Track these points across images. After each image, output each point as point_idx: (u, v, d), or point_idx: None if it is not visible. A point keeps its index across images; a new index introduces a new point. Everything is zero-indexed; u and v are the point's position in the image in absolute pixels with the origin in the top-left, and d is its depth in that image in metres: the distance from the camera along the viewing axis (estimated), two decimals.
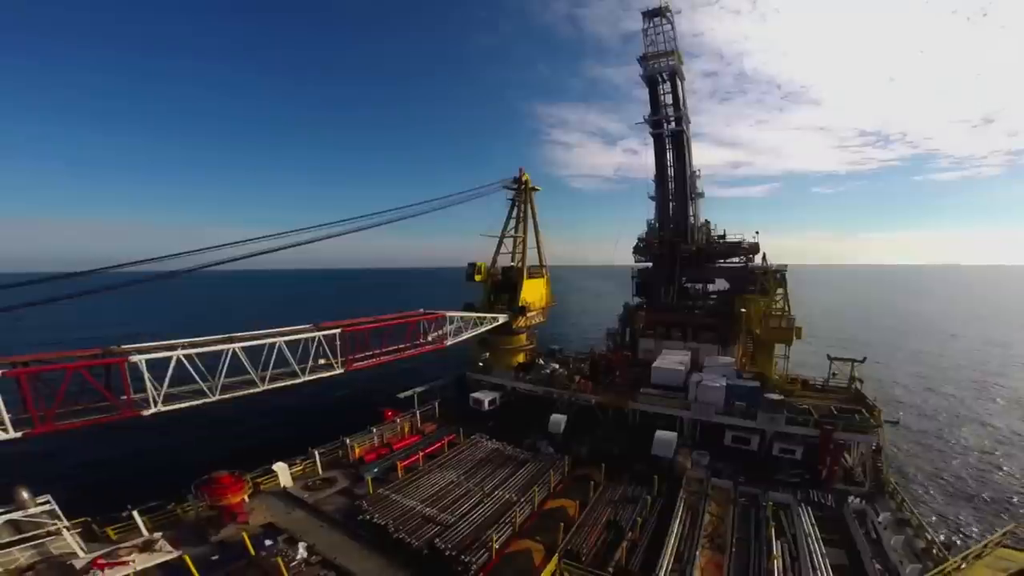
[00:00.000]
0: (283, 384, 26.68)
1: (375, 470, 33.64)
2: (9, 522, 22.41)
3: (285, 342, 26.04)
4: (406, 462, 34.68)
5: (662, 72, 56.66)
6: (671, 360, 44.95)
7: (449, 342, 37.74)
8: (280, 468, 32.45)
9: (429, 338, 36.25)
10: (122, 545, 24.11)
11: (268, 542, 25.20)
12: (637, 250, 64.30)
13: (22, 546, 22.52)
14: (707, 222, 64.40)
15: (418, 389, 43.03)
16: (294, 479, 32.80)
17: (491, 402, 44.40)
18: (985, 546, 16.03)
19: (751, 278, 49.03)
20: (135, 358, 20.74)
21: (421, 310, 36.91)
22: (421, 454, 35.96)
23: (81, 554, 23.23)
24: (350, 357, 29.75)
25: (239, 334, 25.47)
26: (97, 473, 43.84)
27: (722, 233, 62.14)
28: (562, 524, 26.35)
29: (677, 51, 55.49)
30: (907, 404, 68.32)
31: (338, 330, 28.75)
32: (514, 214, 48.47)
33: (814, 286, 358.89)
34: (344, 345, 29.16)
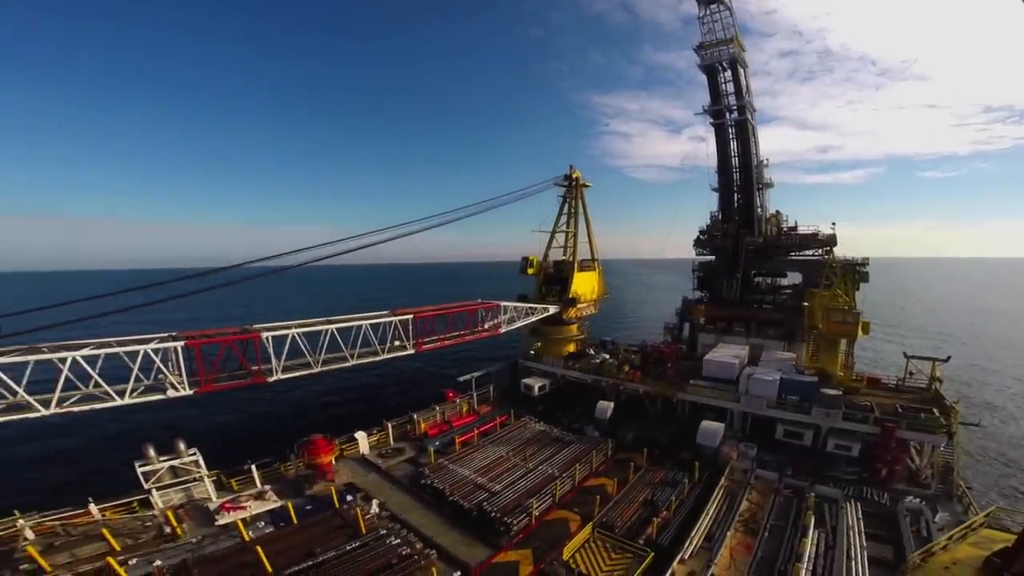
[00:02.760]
0: (367, 360, 30.42)
1: (437, 443, 37.89)
2: (171, 468, 28.73)
3: (369, 325, 29.93)
4: (463, 437, 38.60)
5: (721, 61, 55.10)
6: (725, 353, 44.53)
7: (503, 330, 40.70)
8: (360, 436, 37.52)
9: (486, 326, 39.27)
10: (242, 494, 29.76)
11: (349, 497, 29.72)
12: (698, 243, 63.15)
13: (176, 488, 28.86)
14: (777, 213, 61.71)
15: (476, 374, 46.73)
16: (370, 447, 37.80)
17: (541, 388, 47.06)
18: (970, 527, 15.88)
19: (825, 271, 46.69)
20: (265, 335, 25.46)
21: (479, 300, 40.14)
22: (476, 431, 39.70)
23: (214, 499, 29.15)
24: (419, 340, 33.30)
25: (335, 317, 29.64)
26: (225, 432, 53.85)
27: (794, 224, 59.33)
28: (599, 498, 28.52)
29: (737, 38, 53.65)
30: (998, 408, 61.45)
31: (411, 316, 32.38)
32: (565, 210, 50.30)
33: (920, 280, 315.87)
34: (415, 329, 32.80)
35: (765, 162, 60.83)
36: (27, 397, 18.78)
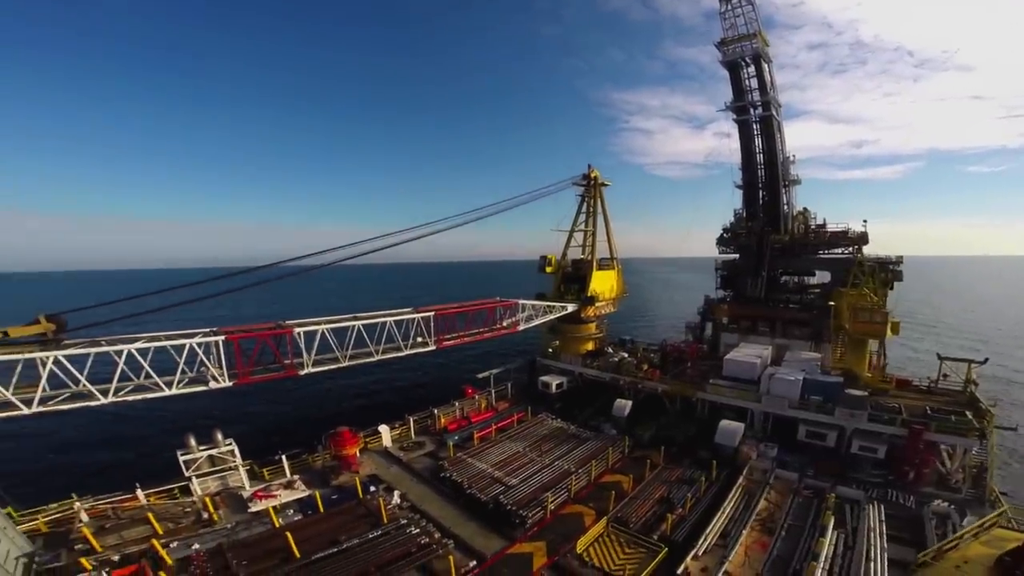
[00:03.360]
0: (391, 356, 31.32)
1: (456, 438, 38.96)
2: (209, 456, 30.43)
3: (393, 321, 30.89)
4: (481, 433, 39.54)
5: (744, 56, 54.19)
6: (746, 352, 43.97)
7: (521, 327, 41.25)
8: (384, 430, 38.88)
9: (504, 323, 39.79)
10: (273, 483, 31.23)
11: (372, 488, 30.91)
12: (721, 241, 62.18)
13: (214, 476, 30.49)
14: (805, 210, 60.38)
15: (494, 371, 47.62)
16: (393, 441, 39.06)
17: (558, 385, 47.41)
18: (982, 526, 15.61)
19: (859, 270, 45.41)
20: (296, 330, 26.64)
21: (497, 298, 40.80)
22: (494, 427, 40.64)
23: (247, 487, 30.67)
24: (440, 337, 34.09)
25: (361, 314, 30.53)
26: (258, 423, 56.87)
27: (822, 222, 57.84)
28: (614, 494, 28.84)
29: (760, 32, 52.65)
30: None
31: (432, 313, 33.20)
32: (583, 209, 50.59)
33: (962, 280, 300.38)
34: (436, 326, 33.57)
35: (791, 158, 59.53)
36: (89, 386, 20.45)
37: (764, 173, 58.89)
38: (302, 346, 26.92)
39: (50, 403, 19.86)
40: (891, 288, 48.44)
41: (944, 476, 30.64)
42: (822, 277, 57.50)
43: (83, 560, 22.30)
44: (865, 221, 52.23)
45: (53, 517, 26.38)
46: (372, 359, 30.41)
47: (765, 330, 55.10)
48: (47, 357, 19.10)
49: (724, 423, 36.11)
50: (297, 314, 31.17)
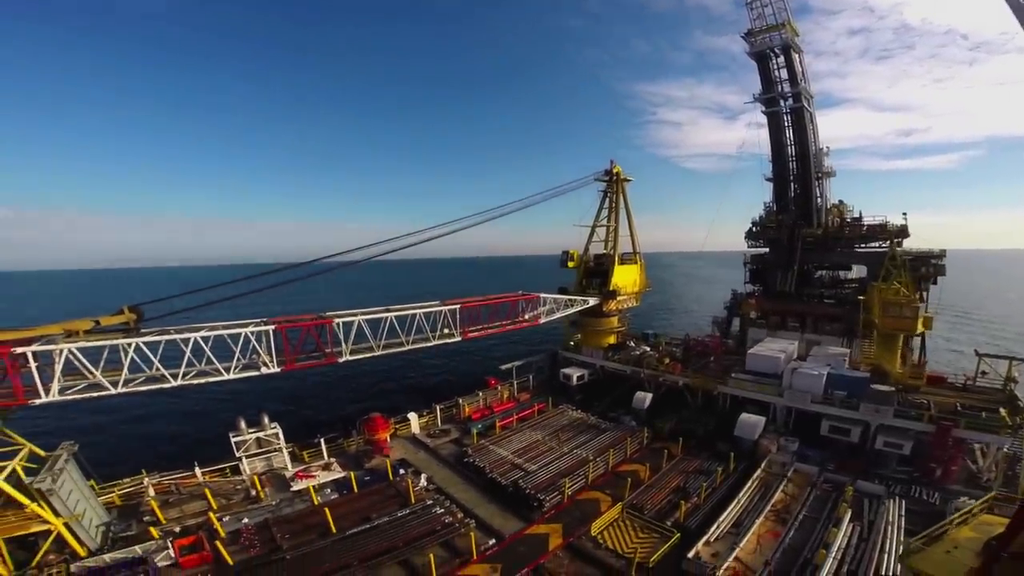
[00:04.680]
0: (420, 345, 32.93)
1: (479, 426, 40.63)
2: (256, 439, 32.74)
3: (422, 313, 32.47)
4: (503, 422, 41.25)
5: (773, 47, 53.03)
6: (770, 347, 43.50)
7: (543, 320, 42.32)
8: (412, 417, 41.10)
9: (526, 316, 40.95)
10: (312, 464, 33.70)
11: (401, 471, 32.94)
12: (750, 235, 61.17)
13: (260, 457, 32.94)
14: (840, 203, 58.75)
15: (517, 363, 49.01)
16: (420, 428, 41.21)
17: (579, 378, 48.29)
18: (970, 512, 15.82)
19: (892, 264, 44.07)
20: (336, 321, 28.61)
21: (520, 292, 41.93)
22: (515, 416, 42.19)
23: (289, 468, 33.09)
24: (466, 328, 35.60)
25: (393, 306, 32.23)
26: (298, 408, 60.28)
27: (858, 215, 56.10)
28: (631, 482, 29.80)
29: (789, 22, 51.39)
30: None
31: (458, 305, 34.73)
32: (606, 204, 50.92)
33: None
34: (461, 318, 35.03)
35: (825, 150, 57.97)
36: (163, 370, 23.13)
37: (795, 166, 57.66)
38: (341, 336, 28.85)
39: (131, 384, 22.53)
40: (933, 283, 46.68)
41: (975, 474, 29.95)
42: (860, 271, 55.82)
43: (152, 529, 25.12)
44: (905, 214, 50.43)
45: (126, 491, 29.60)
46: (403, 348, 32.07)
47: (795, 325, 54.05)
48: (129, 344, 21.80)
49: (744, 416, 36.20)
50: (333, 307, 33.20)
